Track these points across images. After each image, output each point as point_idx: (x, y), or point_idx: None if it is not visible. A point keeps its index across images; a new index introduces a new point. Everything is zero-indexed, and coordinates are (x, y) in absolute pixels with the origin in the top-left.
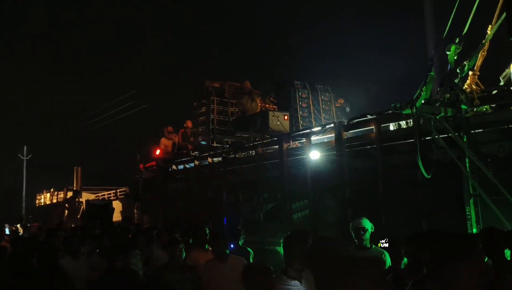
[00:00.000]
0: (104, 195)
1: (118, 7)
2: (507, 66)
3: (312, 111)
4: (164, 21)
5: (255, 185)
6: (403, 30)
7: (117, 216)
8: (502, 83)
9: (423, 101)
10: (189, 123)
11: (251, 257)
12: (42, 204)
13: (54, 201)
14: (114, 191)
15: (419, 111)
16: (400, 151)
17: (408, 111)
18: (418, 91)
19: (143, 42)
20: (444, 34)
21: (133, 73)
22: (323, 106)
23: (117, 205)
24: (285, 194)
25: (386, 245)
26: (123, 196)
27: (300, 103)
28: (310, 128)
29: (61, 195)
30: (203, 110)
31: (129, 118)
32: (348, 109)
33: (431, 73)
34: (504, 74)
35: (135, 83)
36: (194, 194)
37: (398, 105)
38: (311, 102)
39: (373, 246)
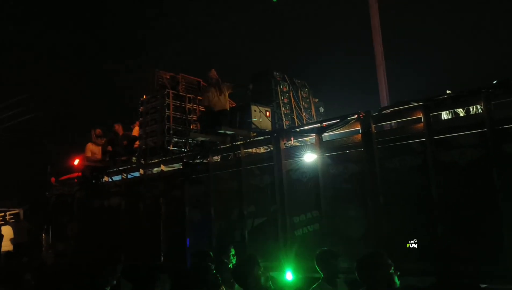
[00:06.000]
0: None
1: None
2: None
3: (294, 107)
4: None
5: (236, 197)
6: None
7: (6, 245)
8: None
9: None
10: (117, 127)
11: None
12: None
13: None
14: (2, 214)
15: None
16: (461, 145)
17: None
18: None
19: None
20: None
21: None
22: (303, 103)
23: (6, 231)
24: (283, 205)
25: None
26: (13, 220)
27: (282, 98)
28: (320, 122)
29: None
30: (155, 106)
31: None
32: (322, 110)
33: None
34: None
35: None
36: (137, 212)
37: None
38: (292, 98)
39: None
